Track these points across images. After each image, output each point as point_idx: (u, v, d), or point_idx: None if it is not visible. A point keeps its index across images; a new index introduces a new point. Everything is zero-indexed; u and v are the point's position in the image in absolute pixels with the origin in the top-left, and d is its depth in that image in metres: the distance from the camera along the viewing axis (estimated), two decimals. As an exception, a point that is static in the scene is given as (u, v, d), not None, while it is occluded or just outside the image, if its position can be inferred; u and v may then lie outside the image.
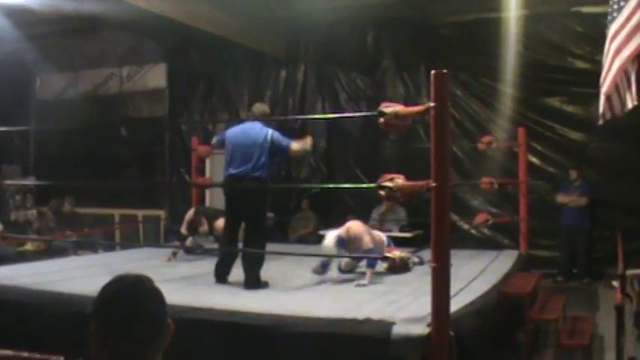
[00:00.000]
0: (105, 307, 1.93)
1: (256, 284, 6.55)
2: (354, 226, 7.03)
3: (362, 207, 11.80)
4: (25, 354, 3.33)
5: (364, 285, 6.48)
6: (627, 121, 7.10)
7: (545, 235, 11.05)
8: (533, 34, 11.38)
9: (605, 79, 5.56)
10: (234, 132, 7.02)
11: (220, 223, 8.26)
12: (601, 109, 5.70)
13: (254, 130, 6.83)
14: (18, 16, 11.25)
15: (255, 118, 7.02)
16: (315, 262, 7.09)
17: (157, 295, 1.99)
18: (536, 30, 11.39)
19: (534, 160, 11.23)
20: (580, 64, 11.24)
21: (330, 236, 6.84)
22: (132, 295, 1.94)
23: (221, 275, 6.86)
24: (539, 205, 10.93)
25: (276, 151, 6.79)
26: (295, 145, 6.88)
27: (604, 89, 5.56)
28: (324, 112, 13.14)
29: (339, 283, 6.78)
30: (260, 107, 7.27)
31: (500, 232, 11.37)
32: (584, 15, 11.17)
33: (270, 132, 6.80)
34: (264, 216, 7.04)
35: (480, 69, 11.89)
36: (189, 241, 8.99)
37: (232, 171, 6.81)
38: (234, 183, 6.82)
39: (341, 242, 6.83)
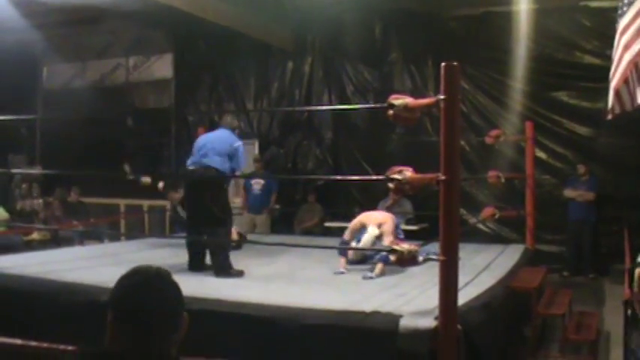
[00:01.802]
0: (124, 297, 1.93)
1: (224, 272, 6.58)
2: (388, 224, 7.02)
3: (368, 199, 11.78)
4: (34, 343, 3.33)
5: (371, 277, 6.48)
6: (635, 116, 7.05)
7: (552, 230, 11.04)
8: (541, 28, 11.32)
9: (614, 73, 5.53)
10: (203, 138, 7.37)
11: None
12: (610, 103, 5.67)
13: (221, 136, 7.18)
14: (26, 5, 11.25)
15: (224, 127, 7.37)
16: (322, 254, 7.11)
17: (176, 289, 2.00)
18: (544, 24, 11.33)
19: (541, 154, 11.20)
20: (588, 59, 11.19)
21: (371, 235, 6.93)
22: (152, 288, 1.94)
23: (190, 264, 7.00)
24: (546, 199, 10.91)
25: (231, 157, 7.04)
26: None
27: (613, 84, 5.53)
28: (331, 105, 13.13)
29: (347, 275, 6.76)
30: (228, 119, 7.56)
31: (507, 227, 11.36)
32: (593, 9, 11.12)
33: (238, 143, 7.10)
34: (219, 203, 7.01)
35: (488, 63, 11.85)
36: None
37: (188, 163, 7.16)
38: (190, 174, 7.16)
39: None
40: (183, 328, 1.97)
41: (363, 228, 7.14)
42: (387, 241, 6.80)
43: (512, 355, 6.22)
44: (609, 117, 6.01)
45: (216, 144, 7.01)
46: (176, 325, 1.94)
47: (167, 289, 1.96)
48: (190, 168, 7.09)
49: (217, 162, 6.89)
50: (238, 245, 8.48)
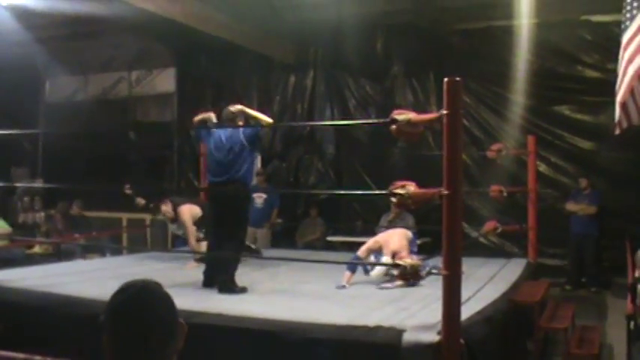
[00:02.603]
0: (115, 316, 1.91)
1: (230, 288, 6.47)
2: (402, 254, 6.83)
3: (370, 214, 11.79)
4: (38, 357, 3.32)
5: (387, 288, 6.52)
6: (637, 130, 7.06)
7: (554, 244, 11.02)
8: (543, 42, 11.35)
9: (619, 86, 5.54)
10: (214, 138, 7.01)
11: (184, 208, 8.47)
12: (617, 117, 5.66)
13: (229, 136, 6.87)
14: (28, 19, 11.28)
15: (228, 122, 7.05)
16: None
17: (166, 298, 1.98)
18: (546, 38, 11.36)
19: (543, 168, 11.20)
20: (590, 73, 11.23)
21: (379, 271, 6.95)
22: (140, 301, 1.92)
23: (207, 280, 6.84)
24: (548, 213, 10.88)
25: (252, 141, 6.85)
26: (264, 121, 7.02)
27: (619, 97, 5.53)
28: (333, 119, 13.14)
29: (350, 289, 6.75)
30: (228, 112, 7.14)
31: (509, 240, 11.34)
32: (594, 23, 11.16)
33: (240, 132, 6.86)
34: (244, 219, 7.02)
35: (490, 77, 11.86)
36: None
37: (213, 179, 6.96)
38: (216, 190, 6.96)
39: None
40: (181, 337, 1.96)
41: (379, 250, 7.12)
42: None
43: (515, 369, 6.21)
44: (617, 131, 5.99)
45: (233, 155, 6.76)
46: (170, 334, 1.93)
47: (155, 300, 1.95)
48: (217, 182, 6.91)
49: (243, 174, 6.77)
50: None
